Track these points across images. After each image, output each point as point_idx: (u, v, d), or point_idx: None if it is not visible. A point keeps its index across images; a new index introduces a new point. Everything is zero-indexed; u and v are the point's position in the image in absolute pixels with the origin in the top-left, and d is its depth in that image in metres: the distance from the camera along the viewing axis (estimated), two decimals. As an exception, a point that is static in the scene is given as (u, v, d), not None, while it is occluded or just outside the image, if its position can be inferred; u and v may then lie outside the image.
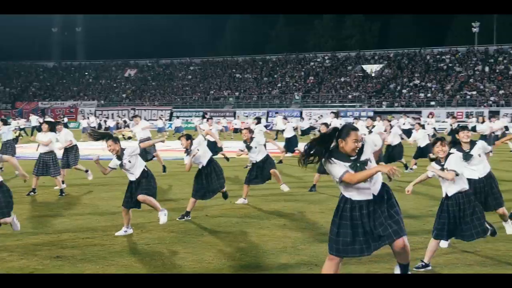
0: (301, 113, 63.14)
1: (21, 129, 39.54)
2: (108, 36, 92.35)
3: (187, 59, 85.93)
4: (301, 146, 7.22)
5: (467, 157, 8.48)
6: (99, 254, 8.27)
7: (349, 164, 5.76)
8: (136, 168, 9.49)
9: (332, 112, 24.84)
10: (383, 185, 5.96)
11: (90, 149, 20.77)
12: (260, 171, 12.39)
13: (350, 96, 66.83)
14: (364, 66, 72.50)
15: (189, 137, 10.97)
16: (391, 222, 5.76)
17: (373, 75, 70.43)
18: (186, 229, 9.95)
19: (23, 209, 11.79)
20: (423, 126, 20.20)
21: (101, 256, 8.18)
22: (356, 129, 5.90)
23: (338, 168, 5.74)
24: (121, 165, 9.44)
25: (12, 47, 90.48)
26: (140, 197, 9.32)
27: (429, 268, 7.32)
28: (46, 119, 35.22)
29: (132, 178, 9.50)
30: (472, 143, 8.85)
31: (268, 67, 78.51)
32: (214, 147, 17.32)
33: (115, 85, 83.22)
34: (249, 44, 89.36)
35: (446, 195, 7.38)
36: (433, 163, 7.49)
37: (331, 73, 73.25)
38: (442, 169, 7.28)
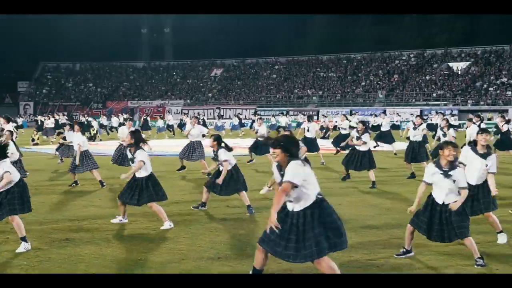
0: (384, 111, 64.65)
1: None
2: (195, 36, 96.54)
3: (272, 58, 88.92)
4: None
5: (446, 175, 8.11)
6: (104, 238, 9.69)
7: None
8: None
9: (343, 115, 26.46)
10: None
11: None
12: None
13: (434, 95, 67.76)
14: (450, 64, 73.16)
15: (216, 139, 11.95)
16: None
17: (459, 73, 70.98)
18: (194, 218, 11.35)
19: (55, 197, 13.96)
20: (477, 122, 21.41)
21: (106, 239, 9.58)
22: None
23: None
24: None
25: (104, 48, 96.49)
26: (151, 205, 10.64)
27: (411, 254, 8.36)
28: (78, 120, 39.30)
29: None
30: (488, 150, 9.40)
31: (352, 65, 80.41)
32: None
33: (201, 84, 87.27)
34: (334, 43, 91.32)
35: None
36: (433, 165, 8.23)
37: (417, 71, 74.30)
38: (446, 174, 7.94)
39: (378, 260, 8.19)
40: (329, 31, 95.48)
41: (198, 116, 36.64)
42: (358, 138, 16.02)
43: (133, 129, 16.18)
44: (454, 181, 7.90)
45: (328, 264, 6.48)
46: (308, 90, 77.39)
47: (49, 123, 36.32)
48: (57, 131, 34.02)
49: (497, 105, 62.02)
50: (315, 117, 54.00)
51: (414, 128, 18.20)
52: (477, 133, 9.52)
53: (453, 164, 7.98)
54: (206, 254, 8.64)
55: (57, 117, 44.72)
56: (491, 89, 66.00)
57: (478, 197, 9.25)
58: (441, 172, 7.98)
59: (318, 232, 6.35)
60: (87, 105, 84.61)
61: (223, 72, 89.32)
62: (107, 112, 75.80)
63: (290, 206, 6.57)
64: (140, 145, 10.65)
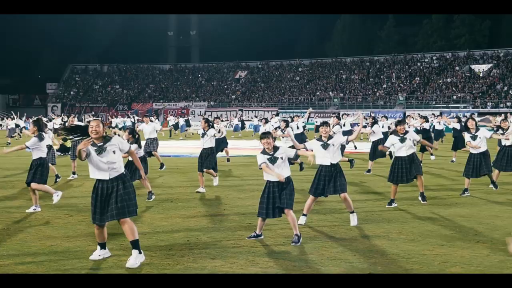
0: (404, 114, 66.58)
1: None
2: (221, 39, 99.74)
3: (296, 60, 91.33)
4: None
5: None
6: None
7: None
8: None
9: (335, 116, 28.25)
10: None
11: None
12: None
13: (454, 97, 69.36)
14: (473, 66, 74.72)
15: (130, 132, 13.92)
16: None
17: (480, 75, 72.50)
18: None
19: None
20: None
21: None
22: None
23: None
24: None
25: (131, 50, 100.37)
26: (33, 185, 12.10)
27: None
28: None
29: None
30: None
31: (375, 68, 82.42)
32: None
33: (225, 86, 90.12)
34: (358, 45, 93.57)
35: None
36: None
37: (438, 74, 76.00)
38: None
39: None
40: (353, 33, 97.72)
41: (148, 115, 38.43)
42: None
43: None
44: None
45: None
46: (330, 92, 79.58)
47: (56, 123, 37.60)
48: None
49: (519, 108, 63.43)
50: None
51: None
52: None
53: None
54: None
55: (65, 118, 46.82)
56: (511, 91, 67.41)
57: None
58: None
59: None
60: (113, 107, 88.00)
61: (247, 74, 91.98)
62: (133, 113, 78.95)
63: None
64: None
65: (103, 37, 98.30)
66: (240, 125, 54.58)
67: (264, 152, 9.21)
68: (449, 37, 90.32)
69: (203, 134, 15.24)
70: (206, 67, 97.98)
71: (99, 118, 8.53)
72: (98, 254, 8.18)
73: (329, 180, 10.37)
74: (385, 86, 77.49)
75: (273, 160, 9.06)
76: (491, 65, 73.79)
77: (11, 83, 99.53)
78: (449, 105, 68.36)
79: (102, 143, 7.90)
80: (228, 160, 22.55)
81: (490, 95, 67.84)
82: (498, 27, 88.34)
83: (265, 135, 9.21)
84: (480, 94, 68.56)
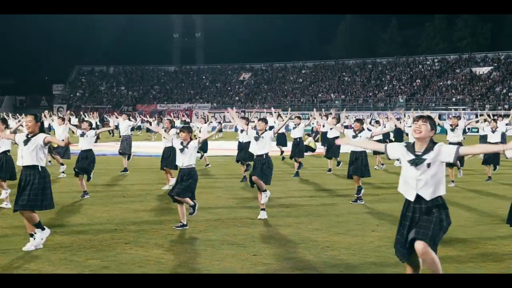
0: (404, 115, 67.99)
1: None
2: (226, 41, 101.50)
3: (300, 63, 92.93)
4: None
5: None
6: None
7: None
8: None
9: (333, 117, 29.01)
10: None
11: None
12: None
13: (454, 99, 70.70)
14: (474, 69, 76.01)
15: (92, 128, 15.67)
16: None
17: (481, 78, 73.78)
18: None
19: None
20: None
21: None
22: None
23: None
24: None
25: (137, 52, 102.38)
26: None
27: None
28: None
29: None
30: None
31: (377, 70, 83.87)
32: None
33: (229, 88, 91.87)
34: (361, 47, 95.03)
35: None
36: None
37: (439, 76, 77.37)
38: None
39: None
40: (356, 35, 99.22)
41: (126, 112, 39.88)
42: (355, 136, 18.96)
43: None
44: None
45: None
46: (332, 94, 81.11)
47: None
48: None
49: (516, 110, 64.68)
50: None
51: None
52: None
53: None
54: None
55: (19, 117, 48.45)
56: (510, 94, 68.68)
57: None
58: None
59: None
60: (118, 108, 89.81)
61: (251, 76, 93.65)
62: (137, 114, 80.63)
63: None
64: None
65: (110, 39, 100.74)
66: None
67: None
68: (452, 39, 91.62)
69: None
70: (210, 69, 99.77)
71: (34, 114, 9.50)
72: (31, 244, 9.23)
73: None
74: (386, 88, 78.92)
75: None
76: (492, 67, 75.08)
77: (18, 84, 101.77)
78: (448, 107, 69.65)
79: (31, 136, 9.23)
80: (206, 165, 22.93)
81: (489, 98, 69.10)
82: (500, 30, 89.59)
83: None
84: (479, 96, 69.83)
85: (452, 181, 17.29)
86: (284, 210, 13.13)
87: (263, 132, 12.20)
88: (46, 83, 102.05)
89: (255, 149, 12.34)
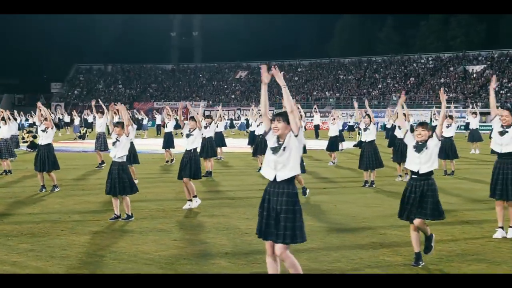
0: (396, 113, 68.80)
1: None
2: (223, 39, 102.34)
3: (296, 61, 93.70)
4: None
5: None
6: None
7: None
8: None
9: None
10: None
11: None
12: None
13: (446, 97, 71.12)
14: (467, 67, 76.65)
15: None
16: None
17: (474, 76, 74.44)
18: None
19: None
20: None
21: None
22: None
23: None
24: None
25: (135, 51, 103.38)
26: None
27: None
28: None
29: None
30: None
31: (372, 68, 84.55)
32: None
33: (225, 86, 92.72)
34: (358, 46, 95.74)
35: None
36: None
37: (432, 74, 78.06)
38: None
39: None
40: (353, 34, 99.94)
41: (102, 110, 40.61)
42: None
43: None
44: None
45: None
46: (327, 92, 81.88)
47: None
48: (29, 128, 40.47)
49: (506, 107, 65.17)
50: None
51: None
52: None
53: None
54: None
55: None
56: (502, 92, 69.32)
57: None
58: None
59: None
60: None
61: (247, 74, 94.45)
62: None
63: None
64: None
65: (108, 38, 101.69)
66: (229, 124, 57.21)
67: None
68: (446, 38, 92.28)
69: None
70: (207, 67, 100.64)
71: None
72: None
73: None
74: (380, 86, 79.64)
75: None
76: (485, 65, 75.70)
77: (17, 83, 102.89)
78: (440, 105, 70.15)
79: None
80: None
81: (481, 96, 69.74)
82: (495, 29, 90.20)
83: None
84: (471, 94, 70.49)
85: (400, 176, 18.16)
86: (226, 202, 14.02)
87: (194, 130, 13.09)
88: (45, 82, 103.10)
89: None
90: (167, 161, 23.63)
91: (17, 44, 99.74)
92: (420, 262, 8.29)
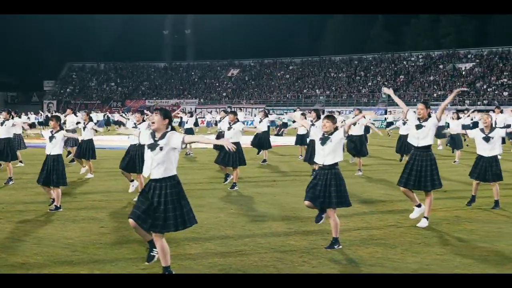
0: (385, 111, 69.48)
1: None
2: (215, 37, 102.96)
3: (288, 59, 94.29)
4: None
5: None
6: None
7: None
8: None
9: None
10: None
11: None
12: None
13: (435, 95, 71.91)
14: (457, 65, 77.19)
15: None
16: None
17: (463, 73, 74.99)
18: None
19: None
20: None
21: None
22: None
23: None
24: None
25: (128, 49, 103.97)
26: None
27: None
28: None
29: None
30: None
31: (362, 66, 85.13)
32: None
33: (217, 84, 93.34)
34: (349, 44, 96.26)
35: None
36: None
37: (422, 72, 78.61)
38: None
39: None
40: (345, 32, 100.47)
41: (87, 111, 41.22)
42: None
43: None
44: None
45: None
46: (317, 90, 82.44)
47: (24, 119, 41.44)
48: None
49: (493, 105, 65.77)
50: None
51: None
52: None
53: None
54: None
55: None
56: (489, 89, 69.86)
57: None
58: None
59: None
60: (107, 104, 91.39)
61: (239, 72, 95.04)
62: (125, 110, 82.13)
63: None
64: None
65: (102, 36, 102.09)
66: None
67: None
68: (436, 36, 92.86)
69: (84, 128, 18.37)
70: (200, 65, 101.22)
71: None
72: None
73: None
74: (370, 84, 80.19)
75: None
76: (474, 63, 76.25)
77: (10, 81, 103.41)
78: (429, 103, 70.69)
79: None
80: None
81: (469, 93, 70.29)
82: (485, 27, 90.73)
83: None
84: (460, 92, 70.99)
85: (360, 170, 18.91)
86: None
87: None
88: (37, 80, 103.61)
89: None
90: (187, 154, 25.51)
91: (10, 42, 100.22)
92: (335, 246, 9.01)
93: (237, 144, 14.85)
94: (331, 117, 9.23)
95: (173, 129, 7.36)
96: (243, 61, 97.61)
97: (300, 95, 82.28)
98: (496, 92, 69.03)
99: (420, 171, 10.62)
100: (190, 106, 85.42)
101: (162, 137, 7.33)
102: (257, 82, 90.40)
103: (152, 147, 7.31)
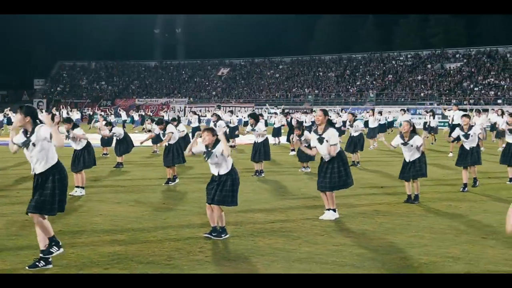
0: (373, 110, 69.78)
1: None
2: (206, 36, 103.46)
3: (278, 58, 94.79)
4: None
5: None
6: None
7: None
8: None
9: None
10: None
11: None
12: None
13: (422, 94, 72.40)
14: (445, 65, 77.70)
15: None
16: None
17: (451, 73, 75.48)
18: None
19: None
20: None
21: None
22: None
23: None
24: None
25: (119, 48, 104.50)
26: None
27: None
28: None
29: None
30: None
31: (351, 65, 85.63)
32: None
33: (207, 83, 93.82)
34: (339, 44, 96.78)
35: None
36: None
37: (411, 72, 79.09)
38: None
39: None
40: (335, 32, 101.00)
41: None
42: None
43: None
44: None
45: None
46: (306, 89, 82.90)
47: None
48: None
49: (479, 104, 66.23)
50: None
51: None
52: None
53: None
54: None
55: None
56: (476, 89, 70.33)
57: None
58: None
59: None
60: (97, 102, 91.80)
61: (229, 71, 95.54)
62: (114, 109, 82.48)
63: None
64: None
65: (93, 35, 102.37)
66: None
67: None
68: (425, 35, 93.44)
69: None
70: (191, 64, 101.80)
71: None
72: None
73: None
74: (358, 83, 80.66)
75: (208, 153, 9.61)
76: (462, 63, 76.74)
77: (0, 79, 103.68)
78: (416, 102, 71.32)
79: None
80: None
81: (456, 93, 70.74)
82: (474, 27, 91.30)
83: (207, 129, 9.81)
84: (447, 91, 71.49)
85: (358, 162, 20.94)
86: (114, 189, 15.04)
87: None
88: (28, 78, 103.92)
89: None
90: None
91: (1, 41, 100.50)
92: (223, 235, 9.54)
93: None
94: (211, 130, 9.68)
95: (41, 122, 7.73)
96: (233, 60, 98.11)
97: (289, 94, 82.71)
98: (483, 91, 69.47)
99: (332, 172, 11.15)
100: (179, 105, 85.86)
101: (32, 133, 7.72)
102: (247, 81, 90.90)
103: (26, 144, 7.74)
